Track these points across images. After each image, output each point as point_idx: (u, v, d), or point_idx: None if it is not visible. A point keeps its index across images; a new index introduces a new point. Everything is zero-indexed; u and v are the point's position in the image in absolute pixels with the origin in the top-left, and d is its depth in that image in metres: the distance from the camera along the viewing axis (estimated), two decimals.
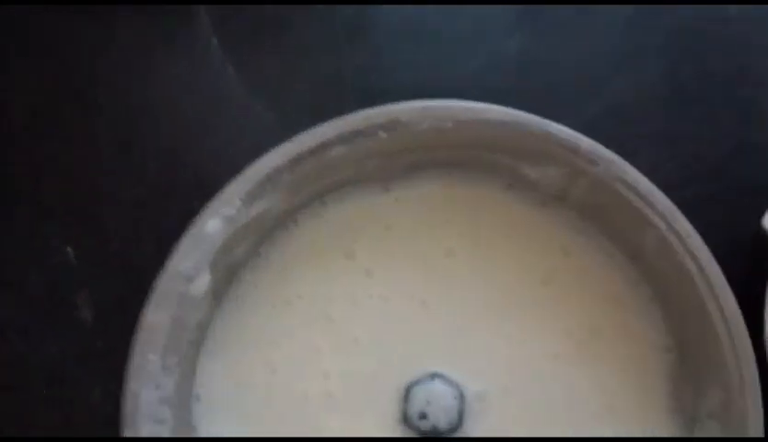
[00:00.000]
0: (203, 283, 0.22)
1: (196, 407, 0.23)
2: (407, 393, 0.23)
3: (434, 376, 0.23)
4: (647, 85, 0.31)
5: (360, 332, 0.24)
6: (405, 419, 0.23)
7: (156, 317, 0.20)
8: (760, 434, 0.20)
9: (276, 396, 0.23)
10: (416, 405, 0.23)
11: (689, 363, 0.23)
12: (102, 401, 0.31)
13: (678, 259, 0.21)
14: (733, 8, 0.31)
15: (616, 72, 0.31)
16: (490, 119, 0.22)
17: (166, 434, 0.20)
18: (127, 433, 0.19)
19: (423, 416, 0.22)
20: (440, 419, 0.22)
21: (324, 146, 0.22)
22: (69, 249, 0.33)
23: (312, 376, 0.23)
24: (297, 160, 0.22)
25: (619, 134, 0.27)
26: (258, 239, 0.24)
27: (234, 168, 0.23)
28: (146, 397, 0.20)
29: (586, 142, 0.22)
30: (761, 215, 0.24)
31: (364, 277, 0.24)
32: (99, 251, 0.33)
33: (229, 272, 0.23)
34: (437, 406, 0.22)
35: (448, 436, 0.23)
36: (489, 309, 0.24)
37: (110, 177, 0.33)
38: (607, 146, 0.22)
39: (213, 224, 0.21)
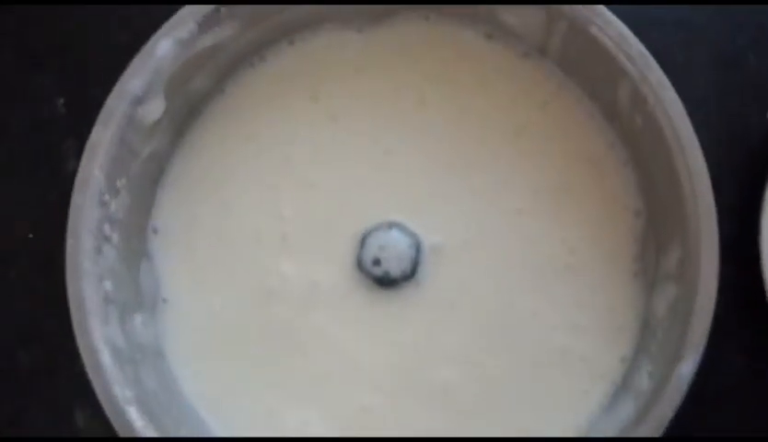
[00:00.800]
0: (155, 108, 0.21)
1: (153, 238, 0.22)
2: (363, 239, 0.22)
3: (391, 224, 0.23)
4: None
5: (320, 176, 0.23)
6: (359, 264, 0.22)
7: (101, 134, 0.20)
8: (712, 293, 0.19)
9: (229, 233, 0.23)
10: (370, 251, 0.22)
11: (656, 226, 0.22)
12: None
13: (648, 110, 0.20)
14: None
15: None
16: None
17: (112, 252, 0.20)
18: (69, 241, 0.19)
19: (376, 262, 0.22)
20: (393, 266, 0.22)
21: None
22: (60, 99, 0.33)
23: (267, 216, 0.23)
24: None
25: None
26: (220, 74, 0.23)
27: None
28: (90, 211, 0.19)
29: None
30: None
31: (327, 120, 0.23)
32: (87, 102, 0.32)
33: (190, 105, 0.23)
34: (391, 253, 0.22)
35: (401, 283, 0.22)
36: (456, 162, 0.23)
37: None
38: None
39: (164, 45, 0.20)
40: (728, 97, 0.27)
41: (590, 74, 0.22)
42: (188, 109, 0.23)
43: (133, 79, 0.20)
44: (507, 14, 0.22)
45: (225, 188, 0.23)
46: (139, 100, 0.20)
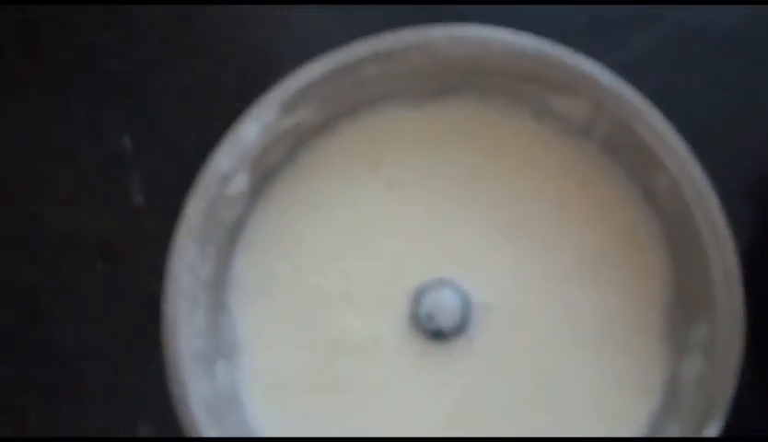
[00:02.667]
0: (240, 183, 0.24)
1: (231, 294, 0.25)
2: (418, 296, 0.25)
3: (443, 282, 0.25)
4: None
5: (379, 239, 0.26)
6: (414, 319, 0.25)
7: (194, 211, 0.23)
8: (734, 372, 0.21)
9: (298, 290, 0.25)
10: (425, 307, 0.25)
11: (685, 298, 0.24)
12: (150, 278, 0.33)
13: (686, 203, 0.22)
14: None
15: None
16: (521, 49, 0.23)
17: (200, 314, 0.23)
18: (168, 308, 0.22)
19: (429, 317, 0.25)
20: (445, 321, 0.25)
21: (358, 64, 0.23)
22: (126, 136, 0.35)
23: (332, 275, 0.25)
24: (331, 76, 0.23)
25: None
26: (293, 146, 0.26)
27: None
28: (185, 280, 0.22)
29: (608, 78, 0.23)
30: None
31: (386, 189, 0.26)
32: (152, 140, 0.35)
33: (266, 173, 0.25)
34: (443, 310, 0.25)
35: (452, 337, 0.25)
36: (504, 229, 0.25)
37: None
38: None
39: (251, 129, 0.23)
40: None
41: (631, 159, 0.25)
42: (263, 177, 0.25)
43: (223, 160, 0.23)
44: (555, 99, 0.25)
45: (294, 249, 0.26)
46: (228, 178, 0.23)
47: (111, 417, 0.34)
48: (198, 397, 0.21)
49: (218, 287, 0.25)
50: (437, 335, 0.25)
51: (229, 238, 0.25)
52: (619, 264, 0.25)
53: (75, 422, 0.34)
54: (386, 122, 0.26)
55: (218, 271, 0.24)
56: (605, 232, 0.25)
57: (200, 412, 0.21)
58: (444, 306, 0.25)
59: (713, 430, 0.22)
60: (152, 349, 0.33)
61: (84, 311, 0.34)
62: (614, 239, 0.25)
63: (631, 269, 0.25)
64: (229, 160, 0.23)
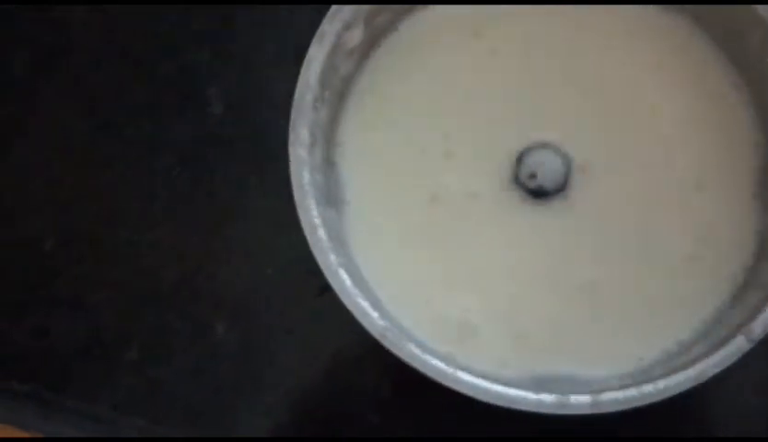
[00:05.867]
0: (356, 35, 0.25)
1: (337, 149, 0.26)
2: (520, 157, 0.26)
3: (545, 145, 0.26)
4: None
5: (480, 102, 0.27)
6: (516, 178, 0.26)
7: (316, 51, 0.24)
8: None
9: (399, 147, 0.26)
10: (528, 167, 0.26)
11: None
12: (225, 185, 0.35)
13: None
14: None
15: None
16: None
17: (318, 153, 0.24)
18: (291, 135, 0.23)
19: (532, 176, 0.26)
20: (547, 180, 0.26)
21: None
22: (204, 49, 0.36)
23: (433, 134, 0.26)
24: None
25: None
26: (397, 14, 0.27)
27: None
28: (307, 113, 0.23)
29: None
30: None
31: (488, 54, 0.27)
32: (229, 53, 0.36)
33: (373, 37, 0.27)
34: (546, 169, 0.26)
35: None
36: (602, 92, 0.27)
37: None
38: None
39: None
40: None
41: (722, 23, 0.26)
42: (371, 40, 0.27)
43: (345, 8, 0.24)
44: None
45: (396, 109, 0.27)
46: (347, 26, 0.24)
47: (187, 318, 0.34)
48: (323, 223, 0.22)
49: (329, 140, 0.26)
50: (538, 194, 0.26)
51: (339, 94, 0.26)
52: (711, 127, 0.26)
53: (150, 322, 0.34)
54: None
55: (329, 123, 0.26)
56: (697, 96, 0.26)
57: (322, 232, 0.22)
58: (546, 165, 0.26)
59: None
60: (227, 252, 0.34)
61: (161, 215, 0.35)
62: (706, 104, 0.26)
63: (722, 132, 0.26)
64: (350, 8, 0.24)
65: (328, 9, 0.24)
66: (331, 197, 0.25)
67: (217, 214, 0.34)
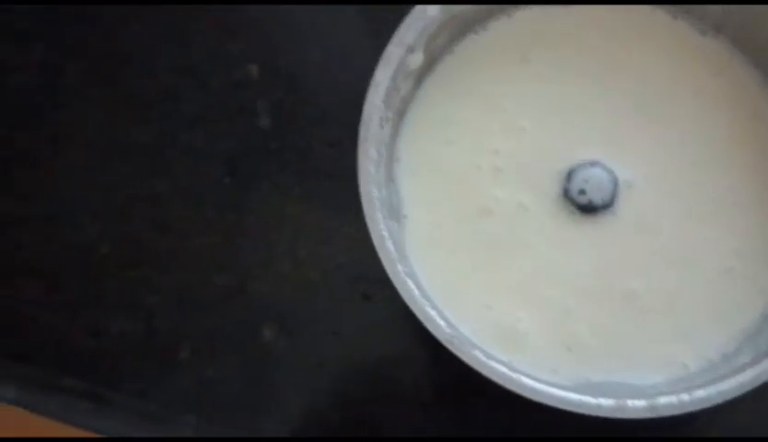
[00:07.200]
0: (417, 58, 0.27)
1: (396, 166, 0.28)
2: (569, 174, 0.28)
3: (593, 163, 0.28)
4: None
5: (528, 122, 0.28)
6: (565, 193, 0.28)
7: (383, 73, 0.25)
8: None
9: (453, 164, 0.28)
10: (577, 183, 0.27)
11: None
12: (272, 192, 0.36)
13: None
14: None
15: None
16: None
17: (382, 170, 0.26)
18: (361, 152, 0.24)
19: (582, 192, 0.27)
20: (596, 196, 0.27)
21: None
22: (253, 64, 0.38)
23: (483, 151, 0.28)
24: None
25: None
26: (452, 37, 0.29)
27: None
28: (374, 132, 0.25)
29: None
30: None
31: (535, 77, 0.29)
32: (277, 68, 0.37)
33: (429, 60, 0.28)
34: (594, 185, 0.27)
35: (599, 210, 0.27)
36: (645, 113, 0.28)
37: None
38: None
39: (434, 7, 0.26)
40: None
41: (759, 46, 0.27)
42: (428, 62, 0.28)
43: (409, 32, 0.26)
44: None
45: (450, 128, 0.29)
46: (410, 49, 0.26)
47: (236, 321, 0.36)
48: (389, 234, 0.24)
49: (390, 157, 0.27)
50: (586, 209, 0.27)
51: (399, 113, 0.28)
52: (750, 146, 0.28)
53: (201, 325, 0.36)
54: (536, 20, 0.29)
55: (391, 139, 0.27)
56: (737, 116, 0.28)
57: (389, 244, 0.24)
58: (595, 182, 0.27)
59: None
60: (274, 259, 0.36)
61: (212, 222, 0.37)
62: (745, 123, 0.28)
63: (761, 150, 0.28)
64: (414, 33, 0.26)
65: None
66: (392, 210, 0.27)
67: (264, 222, 0.36)
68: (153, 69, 0.38)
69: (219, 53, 0.38)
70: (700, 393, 0.22)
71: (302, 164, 0.36)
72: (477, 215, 0.28)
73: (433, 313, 0.23)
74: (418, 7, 0.26)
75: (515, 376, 0.22)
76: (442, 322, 0.23)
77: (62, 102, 0.38)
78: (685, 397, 0.22)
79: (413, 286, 0.23)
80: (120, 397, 0.35)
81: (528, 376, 0.23)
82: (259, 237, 0.36)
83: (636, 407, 0.22)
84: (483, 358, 0.23)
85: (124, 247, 0.36)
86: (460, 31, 0.29)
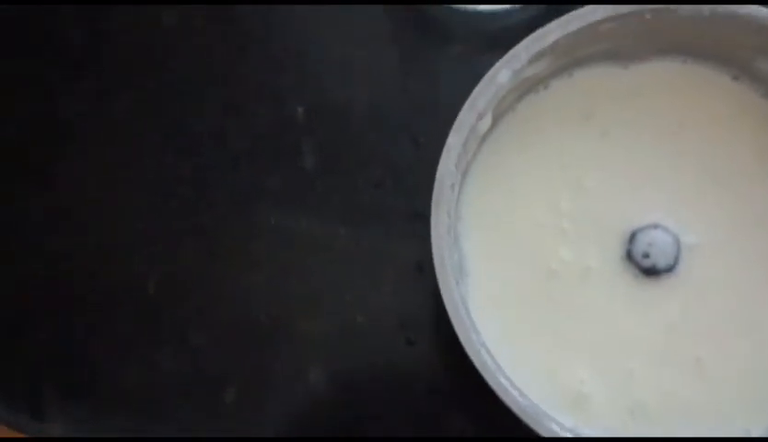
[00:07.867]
0: (486, 122, 0.27)
1: (458, 223, 0.28)
2: (632, 236, 0.28)
3: (656, 225, 0.28)
4: None
5: (592, 182, 0.29)
6: (629, 256, 0.28)
7: (455, 140, 0.25)
8: None
9: (517, 223, 0.28)
10: (640, 246, 0.28)
11: None
12: (311, 231, 0.36)
13: None
14: None
15: None
16: (743, 17, 0.26)
17: (452, 233, 0.26)
18: (434, 215, 0.24)
19: (645, 255, 0.27)
20: (659, 260, 0.27)
21: (602, 21, 0.26)
22: (299, 104, 0.38)
23: (548, 211, 0.28)
24: (578, 31, 0.26)
25: None
26: (517, 97, 0.29)
27: None
28: (447, 196, 0.25)
29: None
30: None
31: (598, 136, 0.29)
32: (323, 108, 0.38)
33: (493, 118, 0.28)
34: (658, 249, 0.28)
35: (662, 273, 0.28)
36: (708, 176, 0.28)
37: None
38: None
39: (504, 74, 0.26)
40: None
41: None
42: (492, 121, 0.28)
43: (480, 98, 0.26)
44: (759, 62, 0.28)
45: (514, 185, 0.29)
46: (481, 116, 0.26)
47: (283, 361, 0.36)
48: (460, 300, 0.24)
49: (456, 214, 0.27)
50: (650, 272, 0.28)
51: (464, 173, 0.28)
52: None
53: (248, 364, 0.36)
54: (598, 79, 0.29)
55: (456, 199, 0.27)
56: None
57: (462, 311, 0.24)
58: (658, 246, 0.27)
59: None
60: (320, 298, 0.36)
61: (259, 260, 0.37)
62: None
63: None
64: (485, 100, 0.26)
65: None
66: (454, 268, 0.27)
67: (311, 262, 0.36)
68: (200, 104, 0.38)
69: (266, 88, 0.38)
70: None
71: (346, 207, 0.36)
72: (541, 275, 0.28)
73: (506, 383, 0.24)
74: (489, 74, 0.26)
75: None
76: (515, 392, 0.24)
77: (109, 137, 0.38)
78: None
79: (486, 358, 0.24)
80: (166, 433, 0.35)
81: None
82: (304, 276, 0.36)
83: None
84: (558, 430, 0.23)
85: (172, 283, 0.36)
86: (523, 91, 0.29)
